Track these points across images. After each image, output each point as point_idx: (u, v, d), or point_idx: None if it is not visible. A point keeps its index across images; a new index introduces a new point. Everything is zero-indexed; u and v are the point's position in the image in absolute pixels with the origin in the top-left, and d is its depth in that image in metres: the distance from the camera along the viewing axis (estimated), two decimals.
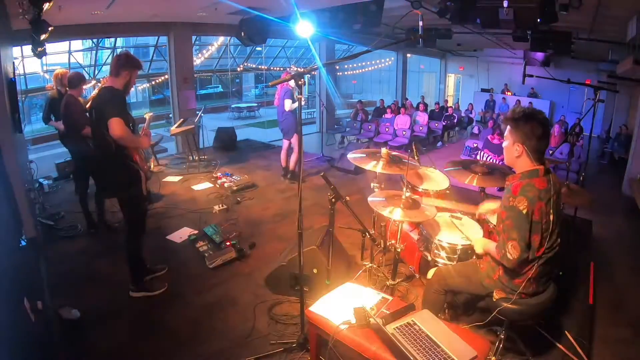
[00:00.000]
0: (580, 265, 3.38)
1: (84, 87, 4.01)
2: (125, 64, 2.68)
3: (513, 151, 1.91)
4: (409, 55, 14.22)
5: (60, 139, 4.08)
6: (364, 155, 2.92)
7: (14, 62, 5.18)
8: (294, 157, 5.48)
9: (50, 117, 4.20)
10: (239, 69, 16.16)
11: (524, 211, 1.78)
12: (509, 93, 14.11)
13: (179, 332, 2.61)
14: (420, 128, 10.33)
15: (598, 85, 3.74)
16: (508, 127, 1.93)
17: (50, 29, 4.19)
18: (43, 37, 4.25)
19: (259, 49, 15.04)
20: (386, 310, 1.88)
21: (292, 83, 5.04)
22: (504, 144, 1.98)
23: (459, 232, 2.65)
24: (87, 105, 2.89)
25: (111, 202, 3.93)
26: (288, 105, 5.16)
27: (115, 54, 8.75)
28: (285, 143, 5.53)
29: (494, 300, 2.00)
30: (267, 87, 18.50)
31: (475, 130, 11.44)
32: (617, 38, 6.60)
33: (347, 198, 2.41)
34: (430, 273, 2.34)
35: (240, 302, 2.90)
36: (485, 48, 13.09)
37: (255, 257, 3.53)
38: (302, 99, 2.16)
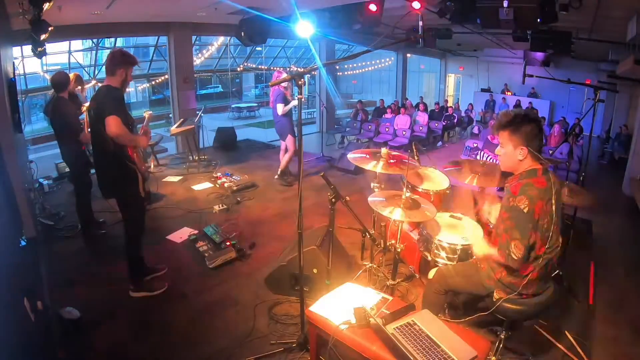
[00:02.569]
0: (580, 265, 3.38)
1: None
2: (120, 61, 2.67)
3: (516, 155, 1.88)
4: (409, 55, 14.23)
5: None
6: (364, 155, 2.92)
7: (14, 62, 5.18)
8: (286, 157, 5.46)
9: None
10: (239, 69, 16.18)
11: (525, 210, 1.77)
12: (509, 93, 14.12)
13: (179, 332, 2.61)
14: (420, 128, 10.34)
15: (598, 85, 3.74)
16: (506, 132, 1.89)
17: (50, 29, 4.19)
18: (43, 37, 4.24)
19: (259, 49, 15.05)
20: (386, 310, 1.88)
21: (284, 85, 5.02)
22: (502, 151, 1.94)
23: (459, 232, 2.65)
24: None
25: (110, 202, 3.92)
26: (280, 109, 5.09)
27: None
28: (283, 144, 5.53)
29: (494, 300, 1.99)
30: (267, 87, 18.51)
31: (475, 130, 11.45)
32: (617, 38, 6.59)
33: (347, 198, 2.41)
34: (431, 273, 2.34)
35: (240, 302, 2.90)
36: (485, 48, 13.09)
37: (255, 257, 3.53)
38: (302, 98, 2.16)
